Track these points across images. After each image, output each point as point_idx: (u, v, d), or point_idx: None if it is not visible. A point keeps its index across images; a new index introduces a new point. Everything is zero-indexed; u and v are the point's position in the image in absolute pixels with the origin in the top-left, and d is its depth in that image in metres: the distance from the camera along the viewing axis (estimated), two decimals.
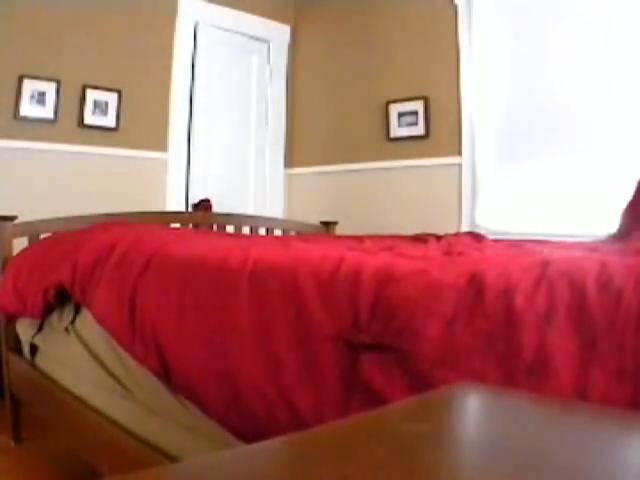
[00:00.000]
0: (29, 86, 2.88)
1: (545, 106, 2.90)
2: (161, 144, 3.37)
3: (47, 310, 1.77)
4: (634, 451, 0.43)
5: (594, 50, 2.71)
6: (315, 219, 3.22)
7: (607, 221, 2.14)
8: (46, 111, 2.94)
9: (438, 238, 2.01)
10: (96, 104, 3.10)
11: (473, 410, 0.57)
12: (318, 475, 0.37)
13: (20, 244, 2.13)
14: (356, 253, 1.19)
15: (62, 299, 1.72)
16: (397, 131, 3.44)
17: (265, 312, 1.09)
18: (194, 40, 3.53)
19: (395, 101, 3.44)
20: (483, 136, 3.15)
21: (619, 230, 1.99)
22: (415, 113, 3.35)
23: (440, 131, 3.28)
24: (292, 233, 2.98)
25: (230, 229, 2.86)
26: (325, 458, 0.40)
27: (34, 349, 1.90)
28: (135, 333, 1.33)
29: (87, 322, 1.59)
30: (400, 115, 3.42)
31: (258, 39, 3.87)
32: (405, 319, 0.90)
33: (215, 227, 2.84)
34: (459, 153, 3.19)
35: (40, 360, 1.88)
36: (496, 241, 1.99)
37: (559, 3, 2.85)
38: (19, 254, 2.05)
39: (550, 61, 2.87)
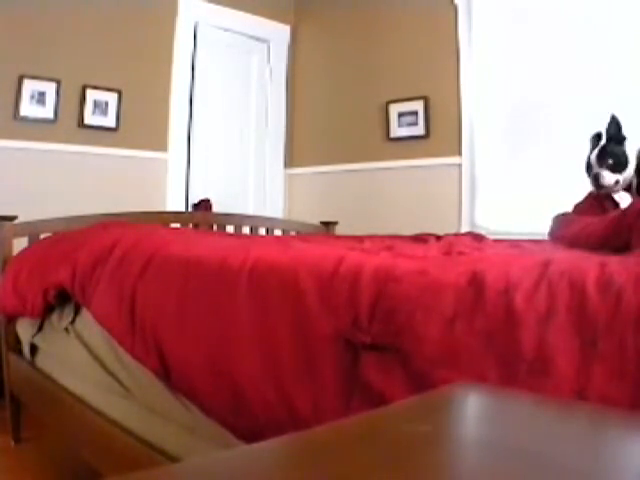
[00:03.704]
0: (29, 86, 2.88)
1: (545, 106, 2.90)
2: (161, 144, 3.38)
3: (47, 310, 1.77)
4: (634, 451, 0.43)
5: (594, 49, 2.71)
6: (315, 219, 3.22)
7: None
8: (46, 111, 2.94)
9: (438, 238, 2.01)
10: (96, 104, 3.11)
11: (473, 410, 0.57)
12: (318, 475, 0.37)
13: (20, 244, 2.13)
14: (356, 253, 1.19)
15: (62, 299, 1.72)
16: (397, 131, 3.44)
17: (265, 312, 1.09)
18: (194, 40, 3.53)
19: (395, 101, 3.43)
20: (483, 136, 3.15)
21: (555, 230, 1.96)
22: (415, 113, 3.35)
23: (440, 131, 3.28)
24: (292, 233, 2.98)
25: (230, 229, 2.86)
26: (325, 458, 0.40)
27: (34, 349, 1.90)
28: (135, 333, 1.33)
29: (87, 322, 1.59)
30: (400, 115, 3.42)
31: (258, 39, 3.87)
32: (405, 319, 0.90)
33: (215, 227, 2.84)
34: (459, 153, 3.19)
35: (40, 360, 1.88)
36: (496, 241, 1.99)
37: (558, 3, 2.85)
38: (19, 254, 2.05)
39: (550, 61, 2.87)
